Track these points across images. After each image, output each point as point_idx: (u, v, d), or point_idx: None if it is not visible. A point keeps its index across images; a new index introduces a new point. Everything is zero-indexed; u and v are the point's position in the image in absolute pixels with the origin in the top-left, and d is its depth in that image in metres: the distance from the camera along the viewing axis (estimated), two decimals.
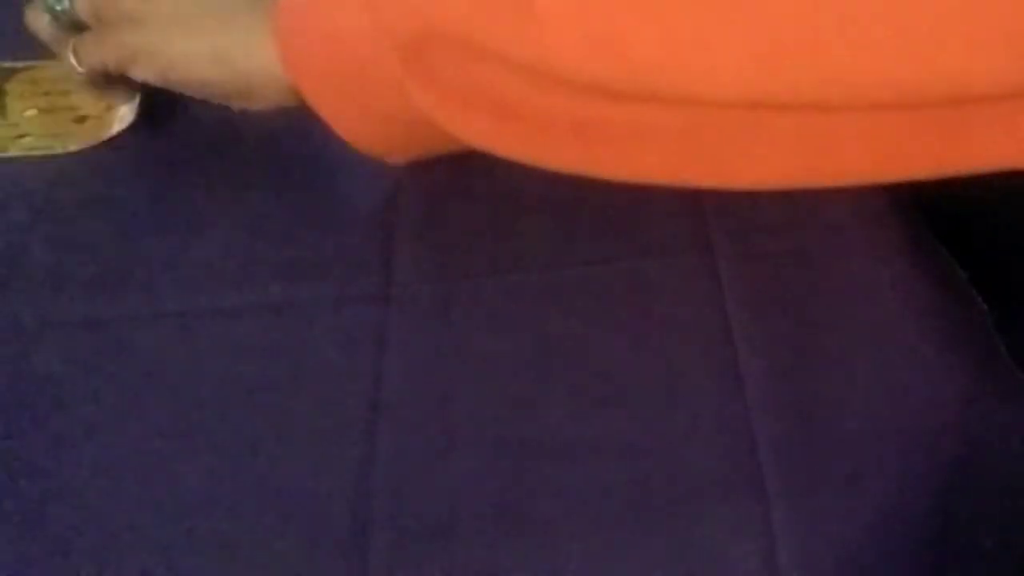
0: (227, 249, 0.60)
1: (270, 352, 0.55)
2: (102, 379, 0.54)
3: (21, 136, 0.67)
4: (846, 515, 0.48)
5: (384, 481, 0.49)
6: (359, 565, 0.46)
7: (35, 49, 0.67)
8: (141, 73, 0.60)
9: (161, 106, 0.67)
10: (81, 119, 0.68)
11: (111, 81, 0.63)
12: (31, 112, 0.69)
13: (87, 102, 0.68)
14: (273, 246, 0.60)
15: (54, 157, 0.66)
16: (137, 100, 0.67)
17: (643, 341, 0.55)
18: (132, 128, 0.66)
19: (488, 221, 0.61)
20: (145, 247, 0.60)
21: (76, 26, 0.63)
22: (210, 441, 0.51)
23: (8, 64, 0.72)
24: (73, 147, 0.66)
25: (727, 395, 0.52)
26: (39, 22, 0.64)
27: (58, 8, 0.62)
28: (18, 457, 0.50)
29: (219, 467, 0.50)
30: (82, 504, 0.48)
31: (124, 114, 0.66)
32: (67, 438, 0.51)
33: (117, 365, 0.54)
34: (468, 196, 0.62)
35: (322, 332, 0.55)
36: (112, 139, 0.66)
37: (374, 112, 0.53)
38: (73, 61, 0.62)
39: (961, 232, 0.61)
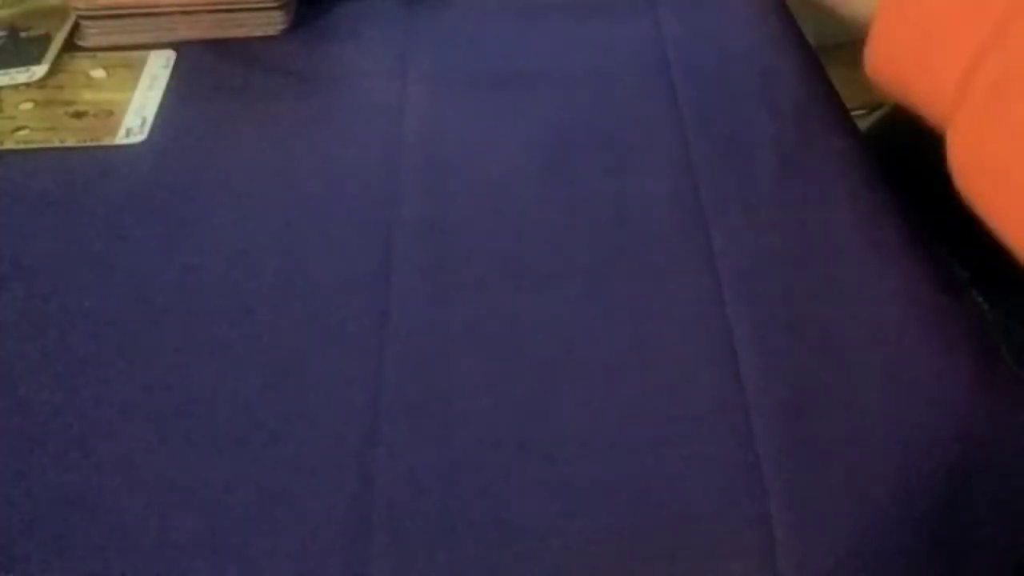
0: (225, 252, 0.60)
1: (270, 352, 0.54)
2: (99, 377, 0.53)
3: (18, 129, 0.67)
4: (846, 515, 0.48)
5: (384, 481, 0.49)
6: (359, 565, 0.46)
7: None
8: None
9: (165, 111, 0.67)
10: (78, 114, 0.68)
11: None
12: (27, 105, 0.69)
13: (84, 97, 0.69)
14: (272, 250, 0.60)
15: (51, 151, 0.65)
16: (148, 122, 0.67)
17: (643, 341, 0.55)
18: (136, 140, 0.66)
19: (488, 221, 0.61)
20: (142, 248, 0.60)
21: None
22: (210, 442, 0.51)
23: None
24: (70, 141, 0.66)
25: (727, 395, 0.52)
26: None
27: None
28: (21, 455, 0.50)
29: (219, 467, 0.50)
30: (82, 502, 0.48)
31: (131, 126, 0.67)
32: (67, 436, 0.51)
33: (115, 364, 0.54)
34: (469, 197, 0.62)
35: (323, 332, 0.55)
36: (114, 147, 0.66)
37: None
38: None
39: (961, 232, 0.61)
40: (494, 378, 0.53)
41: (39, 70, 0.70)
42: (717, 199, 0.61)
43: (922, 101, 0.50)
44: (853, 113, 0.69)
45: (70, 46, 0.73)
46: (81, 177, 0.64)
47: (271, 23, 0.74)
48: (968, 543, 0.51)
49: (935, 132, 0.50)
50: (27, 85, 0.70)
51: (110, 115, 0.68)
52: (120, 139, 0.66)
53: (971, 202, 0.48)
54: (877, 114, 1.00)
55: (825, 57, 0.73)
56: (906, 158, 0.72)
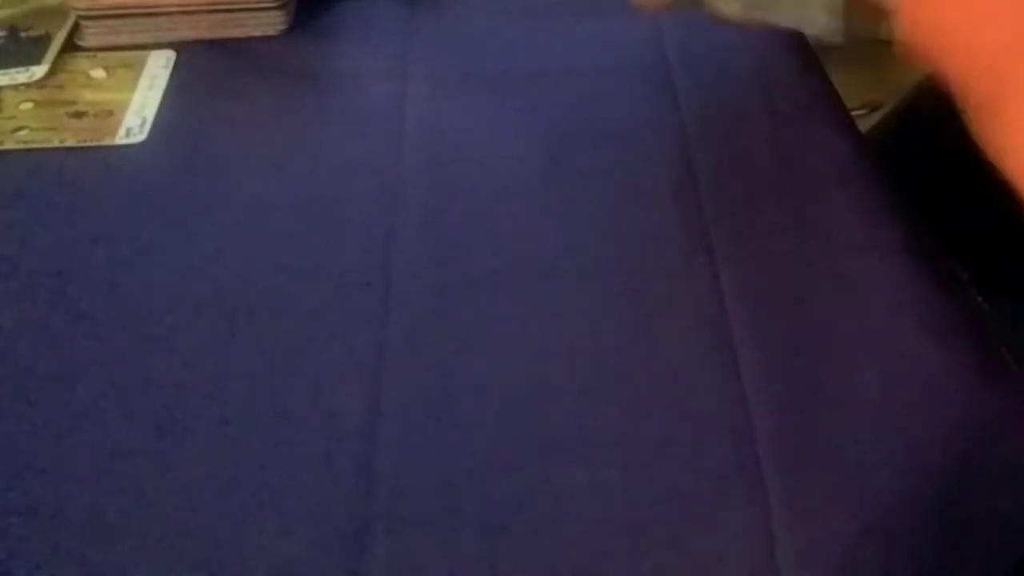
0: (225, 251, 0.60)
1: (270, 352, 0.54)
2: (98, 376, 0.53)
3: (18, 129, 0.67)
4: (846, 515, 0.48)
5: (384, 480, 0.49)
6: (358, 564, 0.46)
7: None
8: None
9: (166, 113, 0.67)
10: (78, 114, 0.68)
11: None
12: (27, 105, 0.69)
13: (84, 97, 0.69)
14: (273, 249, 0.60)
15: (51, 151, 0.65)
16: (148, 122, 0.67)
17: (643, 341, 0.55)
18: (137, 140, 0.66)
19: (488, 220, 0.61)
20: (142, 247, 0.60)
21: None
22: (209, 440, 0.51)
23: None
24: (70, 141, 0.66)
25: (727, 395, 0.52)
26: None
27: None
28: (21, 453, 0.50)
29: (218, 465, 0.50)
30: (80, 499, 0.48)
31: (131, 126, 0.67)
32: (67, 438, 0.51)
33: (114, 362, 0.54)
34: (469, 197, 0.62)
35: (323, 331, 0.55)
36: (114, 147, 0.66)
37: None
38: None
39: (961, 232, 0.61)
40: (494, 377, 0.53)
41: (39, 70, 0.70)
42: (717, 199, 0.61)
43: (960, 68, 0.48)
44: (853, 113, 0.70)
45: (70, 46, 0.73)
46: (81, 177, 0.64)
47: (271, 23, 0.74)
48: (968, 542, 0.51)
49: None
50: (27, 85, 0.70)
51: (110, 115, 0.68)
52: (120, 139, 0.66)
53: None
54: (877, 114, 1.00)
55: (825, 57, 0.73)
56: (907, 158, 0.73)
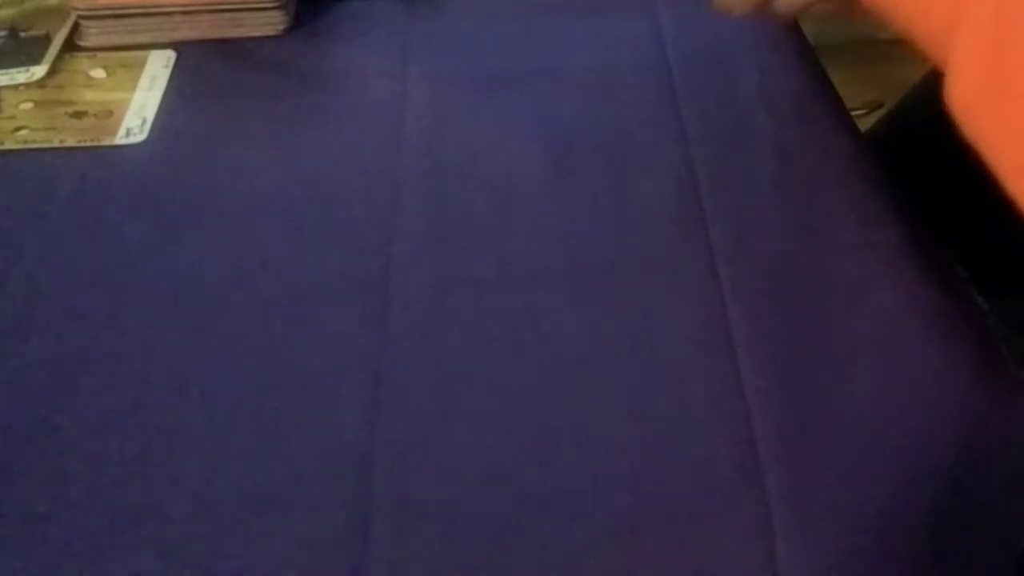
0: (225, 252, 0.60)
1: (269, 351, 0.54)
2: (98, 377, 0.53)
3: (18, 129, 0.67)
4: (846, 515, 0.48)
5: (384, 480, 0.49)
6: (358, 564, 0.46)
7: None
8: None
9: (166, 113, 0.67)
10: (78, 114, 0.68)
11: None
12: (27, 105, 0.69)
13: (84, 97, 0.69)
14: (273, 249, 0.60)
15: (51, 151, 0.65)
16: (148, 122, 0.67)
17: (643, 341, 0.55)
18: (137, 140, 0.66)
19: (487, 221, 0.61)
20: (142, 248, 0.60)
21: None
22: (211, 440, 0.51)
23: None
24: (70, 141, 0.66)
25: (727, 395, 0.52)
26: None
27: None
28: (22, 454, 0.50)
29: (220, 465, 0.50)
30: (83, 502, 0.48)
31: (131, 126, 0.67)
32: (67, 436, 0.51)
33: (113, 363, 0.54)
34: (469, 197, 0.62)
35: (323, 332, 0.55)
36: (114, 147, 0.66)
37: None
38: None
39: (961, 232, 0.61)
40: (494, 378, 0.53)
41: (39, 70, 0.70)
42: (717, 199, 0.61)
43: (915, 16, 0.48)
44: (853, 113, 0.70)
45: (70, 46, 0.73)
46: (81, 177, 0.64)
47: (271, 23, 0.74)
48: (968, 542, 0.51)
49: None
50: (27, 85, 0.70)
51: (110, 115, 0.68)
52: (120, 139, 0.66)
53: (973, 138, 0.46)
54: (877, 114, 1.01)
55: (825, 57, 0.74)
56: (906, 159, 0.73)
